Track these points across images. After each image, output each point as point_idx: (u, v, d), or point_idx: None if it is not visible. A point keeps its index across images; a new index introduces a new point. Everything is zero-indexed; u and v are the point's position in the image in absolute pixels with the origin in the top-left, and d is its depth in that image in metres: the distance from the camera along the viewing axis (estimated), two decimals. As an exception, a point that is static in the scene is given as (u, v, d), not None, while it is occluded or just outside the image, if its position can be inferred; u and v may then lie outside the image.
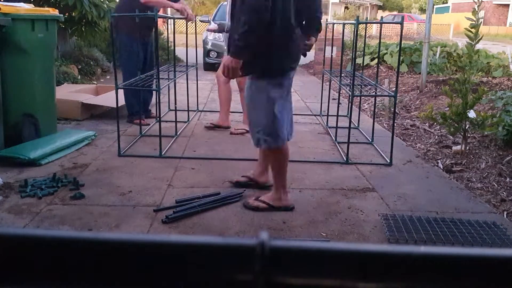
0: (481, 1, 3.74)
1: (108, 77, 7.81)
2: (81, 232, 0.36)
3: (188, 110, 4.96)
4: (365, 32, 6.94)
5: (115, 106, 3.75)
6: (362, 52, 4.99)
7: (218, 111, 4.69)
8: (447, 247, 0.33)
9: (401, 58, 8.19)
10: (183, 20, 4.67)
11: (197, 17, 5.84)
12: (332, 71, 4.90)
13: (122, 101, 4.45)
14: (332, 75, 4.79)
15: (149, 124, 4.56)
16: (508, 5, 35.06)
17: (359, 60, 6.64)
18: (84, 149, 3.75)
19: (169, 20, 5.51)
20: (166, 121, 4.52)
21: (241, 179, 3.04)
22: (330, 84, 5.02)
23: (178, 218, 2.51)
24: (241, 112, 5.03)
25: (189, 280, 0.33)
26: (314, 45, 3.58)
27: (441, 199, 2.91)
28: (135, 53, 4.40)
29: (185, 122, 4.76)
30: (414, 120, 5.18)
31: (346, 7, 33.13)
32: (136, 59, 4.40)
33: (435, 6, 33.19)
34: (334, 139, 4.20)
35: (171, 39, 4.89)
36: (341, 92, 4.84)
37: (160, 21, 4.69)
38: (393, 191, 3.03)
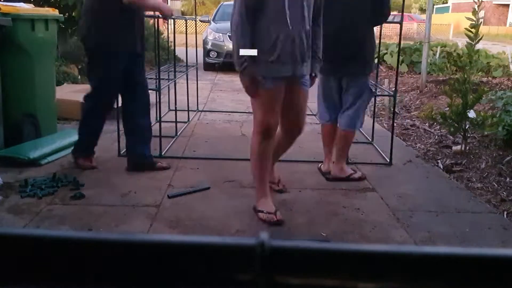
0: (481, 1, 3.74)
1: (108, 77, 7.80)
2: (81, 232, 0.36)
3: (188, 110, 4.95)
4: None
5: (115, 106, 3.74)
6: (362, 52, 4.97)
7: (218, 111, 4.67)
8: (447, 247, 0.33)
9: (401, 58, 8.18)
10: (183, 20, 4.64)
11: (197, 17, 5.83)
12: (332, 71, 4.88)
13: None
14: (332, 75, 4.78)
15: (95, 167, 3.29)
16: (508, 5, 35.03)
17: (359, 60, 6.62)
18: (84, 149, 3.74)
19: (169, 20, 5.50)
20: (166, 121, 4.50)
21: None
22: (330, 84, 5.01)
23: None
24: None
25: (189, 280, 0.33)
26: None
27: (441, 199, 2.91)
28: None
29: (185, 122, 4.75)
30: (414, 120, 5.17)
31: (346, 7, 33.06)
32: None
33: (435, 6, 33.14)
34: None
35: (171, 39, 4.88)
36: (341, 92, 4.83)
37: (160, 21, 4.65)
38: (393, 191, 3.03)
